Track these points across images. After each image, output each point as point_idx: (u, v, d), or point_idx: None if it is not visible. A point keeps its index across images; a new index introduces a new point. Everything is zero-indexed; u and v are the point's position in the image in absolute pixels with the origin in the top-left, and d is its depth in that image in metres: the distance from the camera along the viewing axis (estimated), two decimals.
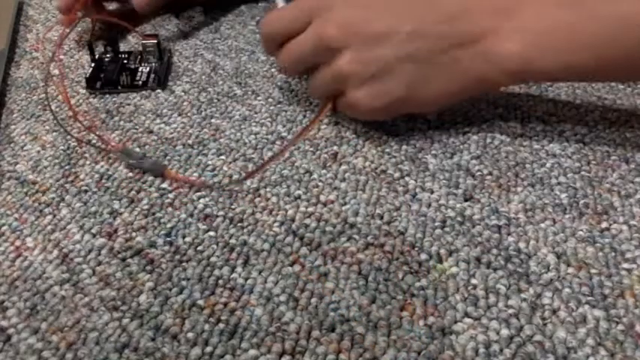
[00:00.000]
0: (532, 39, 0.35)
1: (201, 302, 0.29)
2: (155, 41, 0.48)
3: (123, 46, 0.52)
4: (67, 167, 0.38)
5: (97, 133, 0.40)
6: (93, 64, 0.48)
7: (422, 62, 0.37)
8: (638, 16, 0.34)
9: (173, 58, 0.50)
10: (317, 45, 0.38)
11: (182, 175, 0.37)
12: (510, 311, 0.29)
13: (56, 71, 0.49)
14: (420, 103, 0.38)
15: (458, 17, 0.37)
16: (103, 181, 0.37)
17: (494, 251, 0.32)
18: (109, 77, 0.46)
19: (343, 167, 0.38)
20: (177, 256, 0.32)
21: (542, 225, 0.33)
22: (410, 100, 0.37)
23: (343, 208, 0.35)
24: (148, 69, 0.48)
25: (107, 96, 0.46)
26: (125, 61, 0.49)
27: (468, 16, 0.37)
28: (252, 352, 0.27)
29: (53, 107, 0.44)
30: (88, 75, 0.46)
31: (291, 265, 0.31)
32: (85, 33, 0.54)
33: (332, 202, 0.35)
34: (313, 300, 0.29)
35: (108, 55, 0.49)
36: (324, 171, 0.38)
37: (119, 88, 0.46)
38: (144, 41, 0.49)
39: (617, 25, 0.34)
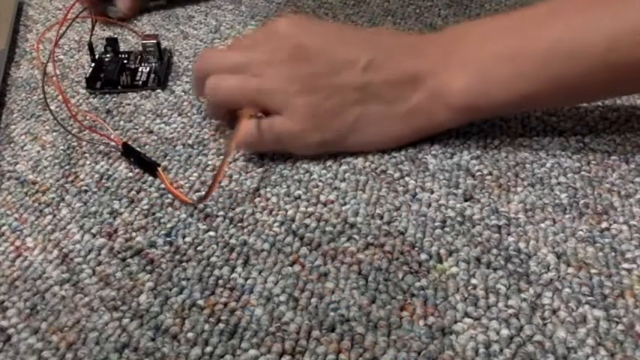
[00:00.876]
0: (476, 72, 0.36)
1: (201, 302, 0.29)
2: (155, 41, 0.48)
3: (123, 46, 0.52)
4: (67, 167, 0.38)
5: (98, 131, 0.40)
6: (93, 64, 0.48)
7: (374, 97, 0.37)
8: (577, 40, 0.34)
9: (173, 58, 0.50)
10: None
11: (181, 176, 0.37)
12: (510, 311, 0.29)
13: (57, 71, 0.49)
14: (363, 141, 0.38)
15: (409, 55, 0.37)
16: (103, 181, 0.37)
17: (494, 251, 0.32)
18: (109, 77, 0.46)
19: (343, 167, 0.38)
20: (177, 256, 0.32)
21: (542, 225, 0.33)
22: (352, 133, 0.37)
23: (343, 208, 0.35)
24: (148, 69, 0.48)
25: (107, 96, 0.46)
26: (125, 61, 0.49)
27: (418, 55, 0.37)
28: (252, 352, 0.27)
29: (53, 107, 0.44)
30: (88, 75, 0.46)
31: (291, 265, 0.31)
32: (85, 33, 0.54)
33: (332, 202, 0.35)
34: (313, 300, 0.29)
35: (108, 55, 0.49)
36: (324, 171, 0.38)
37: (119, 88, 0.46)
38: (144, 41, 0.49)
39: (560, 49, 0.34)
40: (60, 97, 0.45)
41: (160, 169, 0.37)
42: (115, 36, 0.50)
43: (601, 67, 0.34)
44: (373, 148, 0.38)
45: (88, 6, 0.52)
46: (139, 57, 0.49)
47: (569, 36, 0.34)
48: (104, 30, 0.55)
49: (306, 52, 0.36)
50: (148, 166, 0.37)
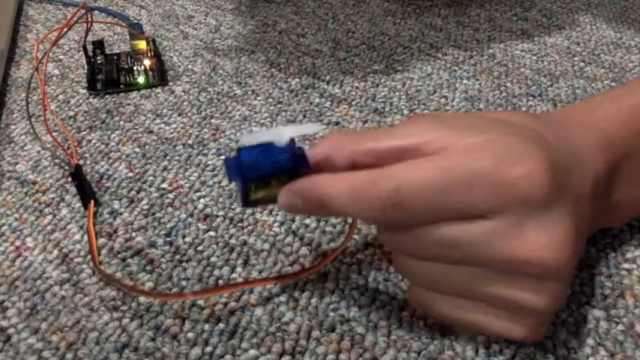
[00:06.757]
0: None
1: (201, 302, 0.29)
2: (143, 40, 0.49)
3: (116, 48, 0.52)
4: (67, 167, 0.38)
5: (62, 144, 0.40)
6: (88, 67, 0.48)
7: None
8: None
9: (173, 59, 0.50)
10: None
11: (181, 176, 0.37)
12: None
13: (56, 71, 0.49)
14: None
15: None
16: (103, 181, 0.37)
17: None
18: (109, 77, 0.46)
19: None
20: (177, 256, 0.32)
21: None
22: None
23: None
24: (142, 67, 0.48)
25: (107, 96, 0.46)
26: (117, 63, 0.49)
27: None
28: (252, 352, 0.27)
29: (53, 107, 0.44)
30: (88, 77, 0.47)
31: (291, 265, 0.31)
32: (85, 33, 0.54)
33: None
34: (313, 300, 0.29)
35: (99, 58, 0.49)
36: None
37: (121, 87, 0.46)
38: (132, 41, 0.49)
39: None
40: (60, 97, 0.45)
41: (92, 202, 0.35)
42: (101, 38, 0.51)
43: None
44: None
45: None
46: (129, 57, 0.49)
47: None
48: (104, 30, 0.55)
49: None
50: (83, 196, 0.36)
